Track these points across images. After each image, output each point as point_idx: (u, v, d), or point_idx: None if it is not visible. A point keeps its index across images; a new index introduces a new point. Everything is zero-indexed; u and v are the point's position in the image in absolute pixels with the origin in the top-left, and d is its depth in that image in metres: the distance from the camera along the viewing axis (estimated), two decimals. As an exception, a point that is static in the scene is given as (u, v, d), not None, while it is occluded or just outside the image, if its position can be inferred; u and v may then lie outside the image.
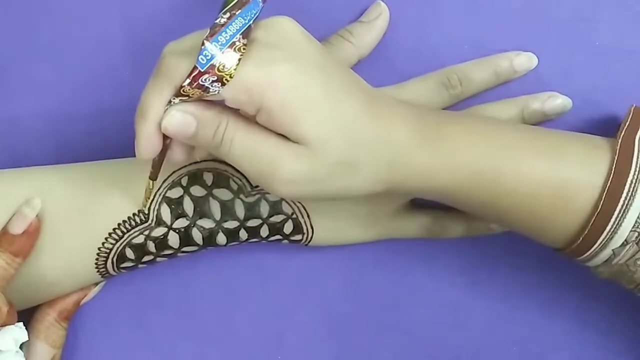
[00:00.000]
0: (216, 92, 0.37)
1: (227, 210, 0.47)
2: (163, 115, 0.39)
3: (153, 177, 0.44)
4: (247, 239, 0.48)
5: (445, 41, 0.50)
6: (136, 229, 0.46)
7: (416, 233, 0.49)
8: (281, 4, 0.50)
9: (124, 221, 0.46)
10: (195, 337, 0.52)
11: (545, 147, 0.42)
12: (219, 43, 0.37)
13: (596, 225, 0.40)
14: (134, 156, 0.50)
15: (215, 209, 0.47)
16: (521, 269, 0.51)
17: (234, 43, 0.37)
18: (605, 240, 0.41)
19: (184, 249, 0.47)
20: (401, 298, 0.52)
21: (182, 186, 0.46)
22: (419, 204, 0.50)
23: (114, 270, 0.48)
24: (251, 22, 0.38)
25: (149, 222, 0.46)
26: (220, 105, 0.39)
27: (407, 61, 0.50)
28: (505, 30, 0.49)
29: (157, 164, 0.43)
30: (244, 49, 0.37)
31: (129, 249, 0.47)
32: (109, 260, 0.47)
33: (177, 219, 0.46)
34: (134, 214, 0.46)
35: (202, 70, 0.37)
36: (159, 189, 0.46)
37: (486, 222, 0.49)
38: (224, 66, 0.37)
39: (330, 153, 0.39)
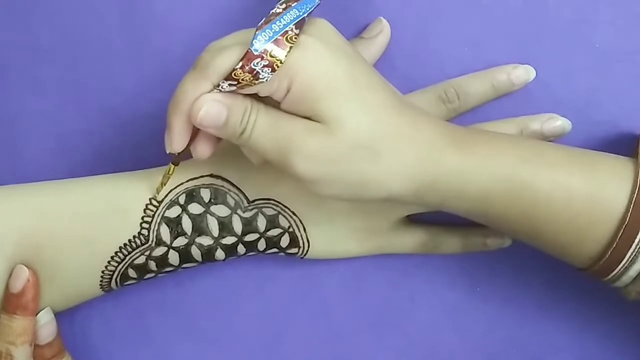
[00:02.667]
0: (265, 79, 0.38)
1: (224, 226, 0.47)
2: (196, 106, 0.39)
3: (176, 162, 0.44)
4: (244, 253, 0.48)
5: (446, 43, 0.49)
6: (137, 250, 0.47)
7: (412, 248, 0.49)
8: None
9: (125, 244, 0.46)
10: (195, 338, 0.53)
11: (577, 159, 0.42)
12: (272, 30, 0.38)
13: (624, 239, 0.40)
14: (133, 156, 0.51)
15: (213, 225, 0.47)
16: (521, 270, 0.51)
17: (286, 32, 0.38)
18: (634, 254, 0.40)
19: (184, 265, 0.48)
20: (400, 300, 0.52)
21: (180, 205, 0.47)
22: (414, 219, 0.50)
23: (116, 287, 0.48)
24: (306, 15, 0.39)
25: (150, 242, 0.47)
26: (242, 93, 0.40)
27: (408, 63, 0.50)
28: (505, 32, 0.49)
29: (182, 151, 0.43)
30: (295, 38, 0.38)
31: (131, 269, 0.47)
32: (113, 281, 0.48)
33: (176, 238, 0.47)
34: (134, 237, 0.46)
35: (255, 54, 0.38)
36: (157, 209, 0.46)
37: (482, 238, 0.49)
38: (274, 51, 0.38)
39: (349, 134, 0.39)
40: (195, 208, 0.47)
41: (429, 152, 0.41)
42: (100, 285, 0.48)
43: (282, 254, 0.49)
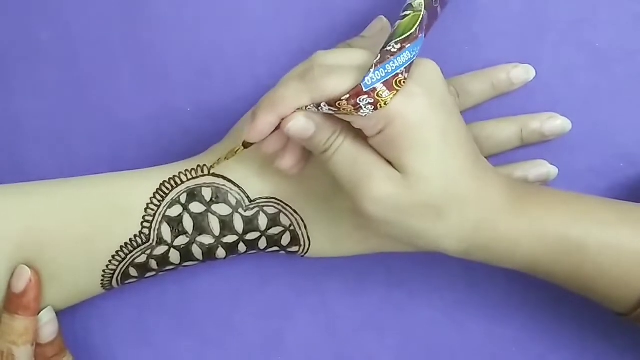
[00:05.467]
0: (365, 114, 0.39)
1: (226, 225, 0.47)
2: (288, 118, 0.40)
3: (247, 146, 0.44)
4: (245, 252, 0.48)
5: (446, 42, 0.50)
6: (138, 249, 0.47)
7: (413, 247, 0.49)
8: (284, 21, 0.51)
9: (126, 243, 0.46)
10: (195, 337, 0.53)
11: (626, 214, 0.43)
12: (386, 71, 0.39)
13: None
14: (133, 156, 0.51)
15: (215, 224, 0.47)
16: (521, 269, 0.51)
17: (397, 75, 0.39)
18: None
19: (185, 264, 0.48)
20: (400, 299, 0.52)
21: (181, 204, 0.47)
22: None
23: (118, 285, 0.48)
24: (414, 58, 0.40)
25: (151, 241, 0.47)
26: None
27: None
28: (505, 31, 0.49)
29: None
30: (403, 82, 0.39)
31: (132, 268, 0.47)
32: (114, 279, 0.48)
33: (177, 237, 0.47)
34: (135, 236, 0.46)
35: (364, 91, 0.38)
36: (158, 208, 0.46)
37: None
38: (382, 92, 0.38)
39: (423, 191, 0.40)
40: (196, 207, 0.47)
41: (487, 216, 0.42)
42: (102, 284, 0.48)
43: (282, 252, 0.49)
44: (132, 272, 0.47)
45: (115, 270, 0.47)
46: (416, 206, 0.41)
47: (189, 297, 0.53)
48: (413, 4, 0.41)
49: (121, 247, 0.46)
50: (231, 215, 0.47)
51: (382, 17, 0.49)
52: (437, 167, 0.40)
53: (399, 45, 0.39)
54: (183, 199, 0.47)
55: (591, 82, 0.49)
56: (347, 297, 0.52)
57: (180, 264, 0.48)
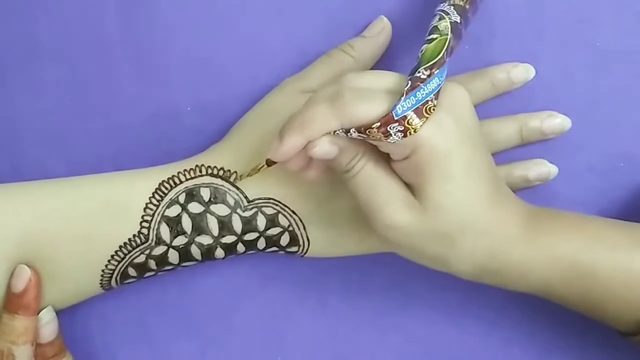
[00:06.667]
0: (394, 141, 0.39)
1: (224, 225, 0.47)
2: (313, 143, 0.41)
3: (270, 164, 0.44)
4: (244, 252, 0.48)
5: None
6: (137, 249, 0.47)
7: None
8: (284, 20, 0.51)
9: (125, 243, 0.46)
10: (196, 337, 0.53)
11: (638, 239, 0.43)
12: (417, 98, 0.39)
13: None
14: (133, 156, 0.51)
15: (213, 225, 0.47)
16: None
17: (427, 102, 0.39)
18: None
19: (184, 264, 0.48)
20: (400, 299, 0.52)
21: (180, 204, 0.47)
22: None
23: (117, 285, 0.48)
24: (442, 83, 0.40)
25: (149, 241, 0.47)
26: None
27: (409, 63, 0.50)
28: (505, 31, 0.49)
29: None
30: (433, 110, 0.39)
31: (131, 268, 0.47)
32: (113, 279, 0.48)
33: (176, 237, 0.47)
34: (134, 235, 0.46)
35: (395, 119, 0.38)
36: (157, 208, 0.46)
37: None
38: (413, 120, 0.38)
39: (441, 222, 0.41)
40: (195, 207, 0.47)
41: (501, 245, 0.42)
42: (101, 283, 0.48)
43: (282, 252, 0.49)
44: (131, 272, 0.47)
45: (114, 270, 0.47)
46: (432, 235, 0.41)
47: (189, 297, 0.53)
48: (439, 26, 0.41)
49: (120, 247, 0.46)
50: (229, 215, 0.47)
51: (383, 17, 0.49)
52: (457, 199, 0.40)
53: (428, 72, 0.39)
54: (182, 199, 0.47)
55: (591, 82, 0.49)
56: (347, 297, 0.52)
57: (179, 264, 0.48)
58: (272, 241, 0.48)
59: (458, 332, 0.52)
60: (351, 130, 0.40)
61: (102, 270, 0.47)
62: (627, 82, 0.49)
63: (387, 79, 0.41)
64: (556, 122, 0.49)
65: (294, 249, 0.48)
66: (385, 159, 0.42)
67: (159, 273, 0.48)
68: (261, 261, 0.52)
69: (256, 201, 0.47)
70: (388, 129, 0.39)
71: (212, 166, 0.47)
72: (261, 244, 0.48)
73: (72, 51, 0.51)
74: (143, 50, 0.51)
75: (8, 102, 0.52)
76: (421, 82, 0.39)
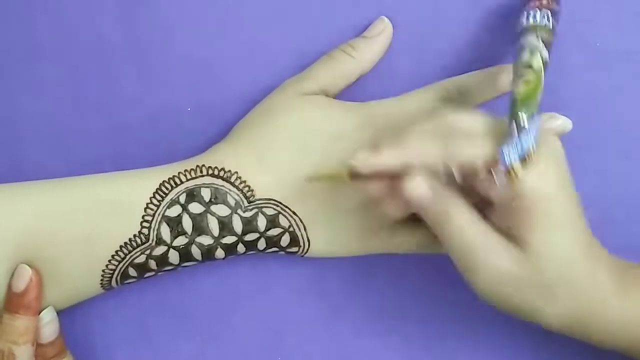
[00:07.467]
0: (497, 186, 0.39)
1: (225, 226, 0.47)
2: (410, 181, 0.40)
3: (354, 177, 0.43)
4: (244, 252, 0.48)
5: (447, 42, 0.50)
6: (137, 249, 0.47)
7: (413, 248, 0.49)
8: (284, 21, 0.51)
9: (126, 243, 0.46)
10: (196, 337, 0.53)
11: None
12: (521, 144, 0.39)
13: None
14: (133, 155, 0.51)
15: (214, 225, 0.47)
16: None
17: (529, 148, 0.39)
18: None
19: (184, 264, 0.48)
20: (401, 299, 0.52)
21: (180, 204, 0.47)
22: (414, 219, 0.50)
23: (117, 285, 0.48)
24: (539, 127, 0.40)
25: (150, 242, 0.47)
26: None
27: (409, 63, 0.50)
28: (505, 31, 0.49)
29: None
30: (534, 155, 0.39)
31: (131, 268, 0.47)
32: (113, 279, 0.48)
33: (176, 237, 0.47)
34: (134, 236, 0.46)
35: (500, 165, 0.39)
36: (157, 208, 0.46)
37: None
38: (518, 167, 0.39)
39: (541, 271, 0.40)
40: (195, 207, 0.47)
41: (598, 302, 0.42)
42: (101, 283, 0.48)
43: (282, 252, 0.49)
44: (132, 272, 0.47)
45: (114, 270, 0.47)
46: (530, 285, 0.40)
47: (189, 297, 0.53)
48: (533, 65, 0.41)
49: (120, 247, 0.46)
50: (230, 216, 0.47)
51: (384, 17, 0.49)
52: (559, 247, 0.40)
53: (530, 118, 0.39)
54: (182, 199, 0.47)
55: (591, 82, 0.49)
56: (348, 297, 0.52)
57: (179, 264, 0.48)
58: (273, 242, 0.48)
59: (458, 333, 0.52)
60: (454, 171, 0.40)
61: (103, 271, 0.47)
62: (627, 82, 0.49)
63: (488, 122, 0.41)
64: (557, 123, 0.49)
65: (294, 249, 0.48)
66: (475, 209, 0.41)
67: (159, 273, 0.48)
68: (261, 261, 0.52)
69: (257, 202, 0.47)
70: (492, 173, 0.39)
71: (213, 167, 0.47)
72: (261, 244, 0.48)
73: (72, 51, 0.51)
74: (143, 50, 0.51)
75: (8, 102, 0.52)
76: (524, 129, 0.39)
